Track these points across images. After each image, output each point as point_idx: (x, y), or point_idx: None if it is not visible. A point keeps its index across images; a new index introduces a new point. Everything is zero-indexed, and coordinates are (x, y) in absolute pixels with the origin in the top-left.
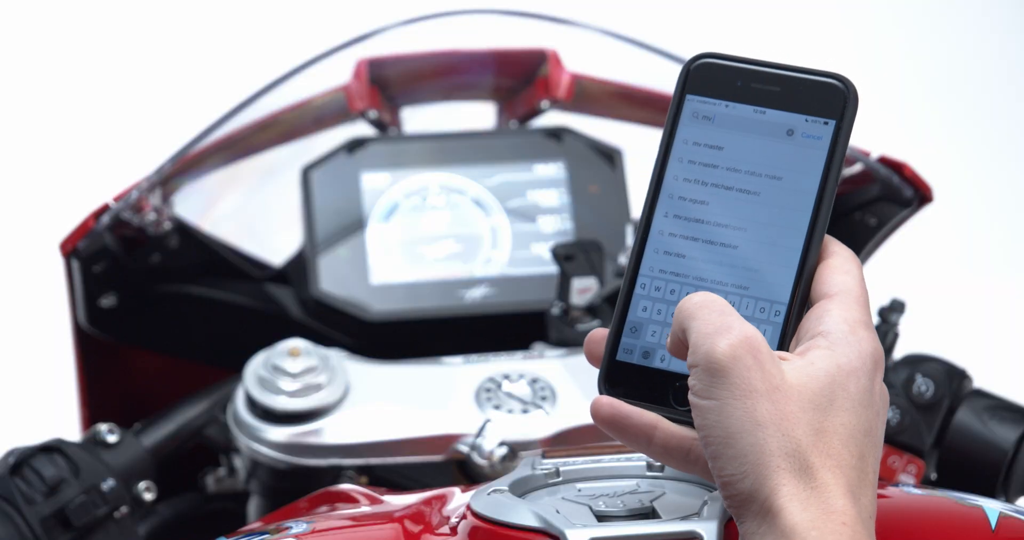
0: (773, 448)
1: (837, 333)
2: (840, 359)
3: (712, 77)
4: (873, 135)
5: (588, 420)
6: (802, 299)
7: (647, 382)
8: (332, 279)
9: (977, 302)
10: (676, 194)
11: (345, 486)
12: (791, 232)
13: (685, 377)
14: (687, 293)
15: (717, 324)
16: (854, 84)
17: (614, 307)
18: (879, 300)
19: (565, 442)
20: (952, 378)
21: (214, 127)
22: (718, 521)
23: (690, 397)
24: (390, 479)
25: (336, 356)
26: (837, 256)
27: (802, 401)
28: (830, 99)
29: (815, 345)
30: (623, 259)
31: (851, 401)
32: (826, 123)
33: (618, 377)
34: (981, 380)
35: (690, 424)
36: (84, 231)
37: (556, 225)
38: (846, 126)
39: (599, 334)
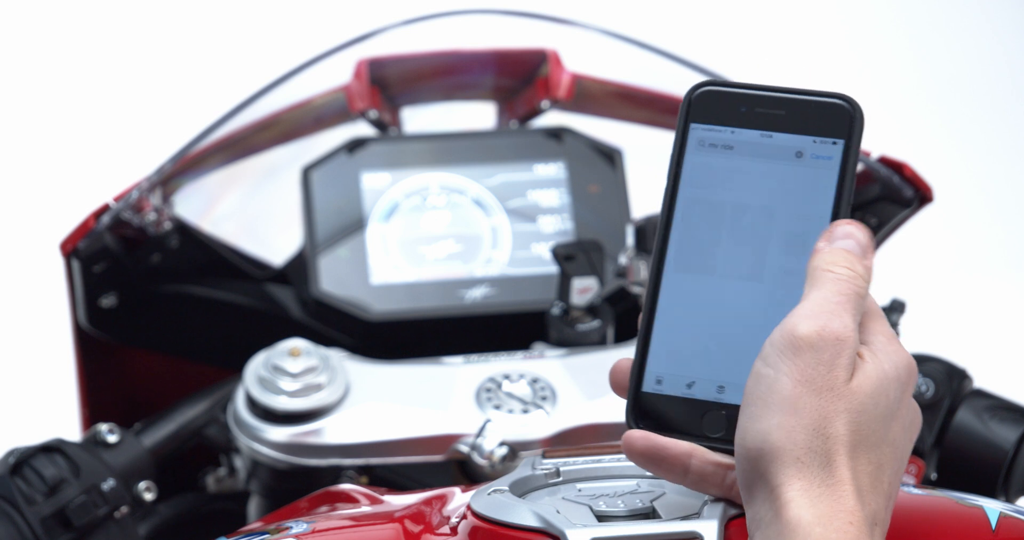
0: (799, 440)
1: (876, 344)
2: (885, 366)
3: (715, 104)
4: (873, 135)
5: (588, 420)
6: None
7: (677, 411)
8: (332, 279)
9: (977, 302)
10: (689, 224)
11: (345, 486)
12: (808, 255)
13: (714, 404)
14: (707, 320)
15: (830, 304)
16: (859, 103)
17: (615, 307)
18: (879, 300)
19: (565, 442)
20: (952, 378)
21: (214, 127)
22: (718, 521)
23: (756, 361)
24: (390, 479)
25: (336, 356)
26: None
27: (850, 403)
28: (836, 119)
29: (862, 354)
30: (623, 259)
31: (887, 409)
32: (835, 143)
33: (646, 409)
34: (981, 380)
35: (725, 451)
36: (84, 231)
37: (556, 225)
38: (855, 145)
39: (623, 364)
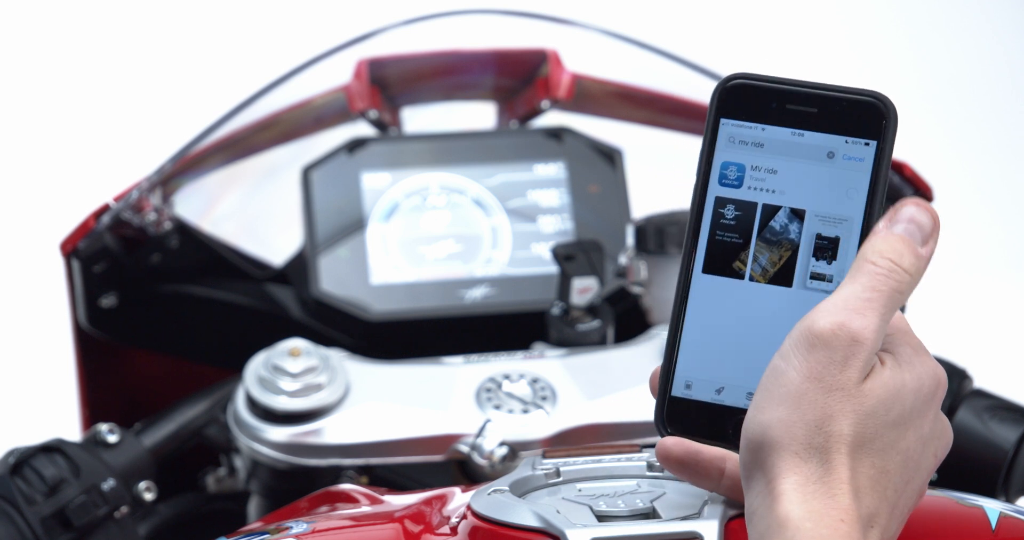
0: (799, 435)
1: (903, 354)
2: (905, 375)
3: (746, 99)
4: None
5: (588, 420)
6: None
7: (705, 417)
8: (332, 279)
9: (977, 302)
10: (718, 224)
11: (345, 486)
12: (838, 260)
13: (743, 411)
14: (736, 324)
15: (857, 300)
16: (893, 102)
17: (615, 307)
18: None
19: (565, 442)
20: (952, 378)
21: (214, 127)
22: (718, 521)
23: (775, 354)
24: (390, 479)
25: (336, 356)
26: None
27: (860, 405)
28: (869, 119)
29: (883, 359)
30: (623, 259)
31: (899, 417)
32: (867, 144)
33: (675, 413)
34: (981, 380)
35: None
36: (84, 231)
37: (556, 225)
38: (888, 146)
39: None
